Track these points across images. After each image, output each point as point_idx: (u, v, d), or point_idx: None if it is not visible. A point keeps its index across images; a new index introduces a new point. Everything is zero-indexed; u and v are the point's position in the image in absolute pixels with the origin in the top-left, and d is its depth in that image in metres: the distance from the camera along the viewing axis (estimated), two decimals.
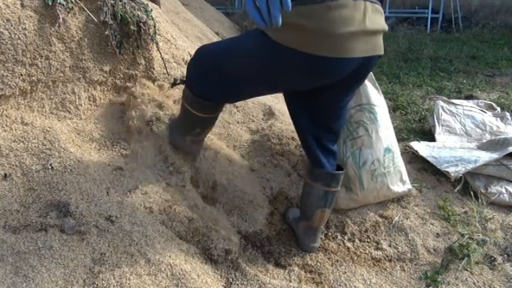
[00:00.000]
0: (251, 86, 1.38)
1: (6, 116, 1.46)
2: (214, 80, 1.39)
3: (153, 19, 1.85)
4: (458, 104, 2.81)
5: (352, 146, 1.77)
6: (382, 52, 1.28)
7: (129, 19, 1.73)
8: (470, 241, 1.71)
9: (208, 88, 1.42)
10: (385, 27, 1.26)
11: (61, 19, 1.57)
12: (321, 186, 1.53)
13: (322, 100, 1.40)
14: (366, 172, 1.77)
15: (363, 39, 1.18)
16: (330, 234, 1.75)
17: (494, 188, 2.00)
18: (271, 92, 1.66)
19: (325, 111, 1.44)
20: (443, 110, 2.74)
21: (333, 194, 1.56)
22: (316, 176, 1.53)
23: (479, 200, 1.91)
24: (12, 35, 1.45)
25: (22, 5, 1.50)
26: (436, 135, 2.60)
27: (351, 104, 1.77)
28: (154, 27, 1.86)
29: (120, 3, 1.74)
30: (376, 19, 1.21)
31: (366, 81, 1.78)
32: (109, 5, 1.70)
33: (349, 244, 1.70)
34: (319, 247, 1.66)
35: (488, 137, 2.54)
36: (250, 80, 1.33)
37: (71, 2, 1.61)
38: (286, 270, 1.52)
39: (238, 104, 2.19)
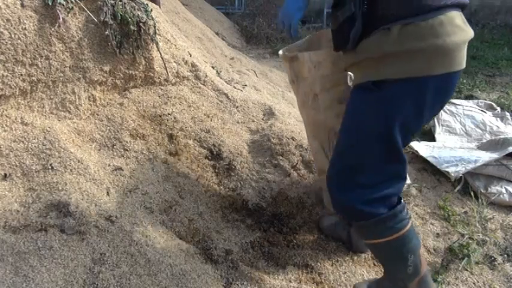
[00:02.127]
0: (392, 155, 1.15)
1: (6, 116, 1.46)
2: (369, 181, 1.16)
3: (153, 19, 1.85)
4: (458, 104, 2.81)
5: None
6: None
7: (129, 19, 1.73)
8: (470, 241, 1.71)
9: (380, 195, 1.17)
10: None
11: (61, 19, 1.57)
12: None
13: None
14: None
15: (463, 47, 1.13)
16: None
17: (494, 188, 2.00)
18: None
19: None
20: (443, 110, 2.74)
21: None
22: None
23: (479, 200, 1.91)
24: (12, 35, 1.45)
25: (22, 5, 1.50)
26: (436, 135, 2.60)
27: None
28: (155, 27, 1.86)
29: (120, 3, 1.74)
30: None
31: None
32: (109, 5, 1.70)
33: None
34: (319, 247, 1.66)
35: (488, 137, 2.54)
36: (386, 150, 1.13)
37: (71, 2, 1.61)
38: (286, 270, 1.52)
39: (238, 104, 2.19)
